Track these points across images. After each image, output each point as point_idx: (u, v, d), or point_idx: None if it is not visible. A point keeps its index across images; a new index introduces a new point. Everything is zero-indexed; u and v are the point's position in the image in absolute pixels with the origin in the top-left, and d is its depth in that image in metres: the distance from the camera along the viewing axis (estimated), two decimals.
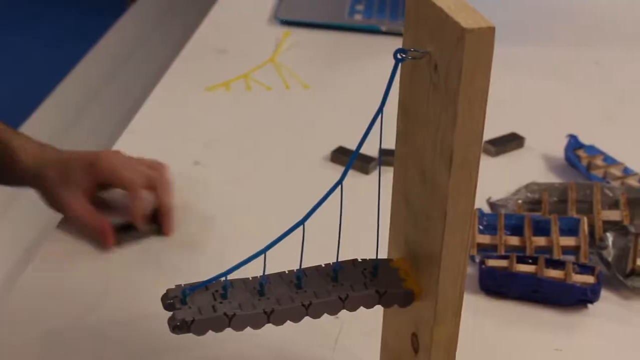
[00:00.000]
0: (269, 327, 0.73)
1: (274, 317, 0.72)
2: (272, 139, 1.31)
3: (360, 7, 1.73)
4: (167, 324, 0.71)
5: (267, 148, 1.29)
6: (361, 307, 0.75)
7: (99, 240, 1.05)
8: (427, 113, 0.68)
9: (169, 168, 1.11)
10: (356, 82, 1.47)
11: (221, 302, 0.72)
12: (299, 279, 0.74)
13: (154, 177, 1.10)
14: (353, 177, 1.11)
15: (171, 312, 0.72)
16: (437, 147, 0.67)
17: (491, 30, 0.61)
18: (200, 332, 0.71)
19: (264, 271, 0.73)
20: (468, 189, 0.67)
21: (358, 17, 1.69)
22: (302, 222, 0.72)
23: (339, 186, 0.71)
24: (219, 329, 0.72)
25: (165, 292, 0.73)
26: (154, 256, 1.05)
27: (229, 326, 0.72)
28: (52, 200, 1.08)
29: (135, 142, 1.27)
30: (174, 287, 0.73)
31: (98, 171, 1.08)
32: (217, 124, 1.35)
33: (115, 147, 1.25)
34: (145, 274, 1.02)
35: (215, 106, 1.41)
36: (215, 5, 1.73)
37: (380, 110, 0.68)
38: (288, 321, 0.73)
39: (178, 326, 0.70)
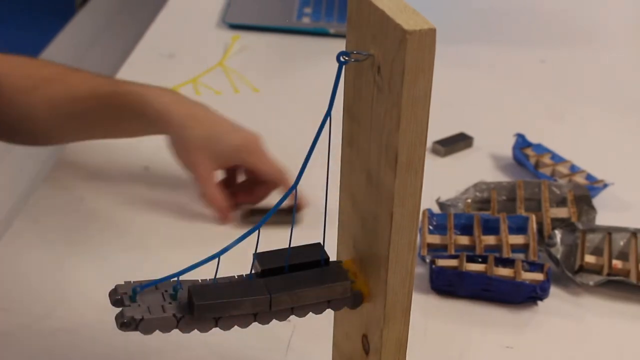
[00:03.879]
0: (218, 330, 0.73)
1: (222, 322, 0.72)
2: None
3: (308, 10, 1.73)
4: (115, 320, 0.70)
5: None
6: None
7: (217, 216, 1.09)
8: (371, 115, 0.68)
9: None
10: (305, 85, 1.47)
11: (170, 303, 0.72)
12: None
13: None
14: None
15: (119, 309, 0.71)
16: (382, 148, 0.67)
17: (432, 32, 0.61)
18: (147, 331, 0.70)
19: (215, 274, 0.73)
20: (414, 190, 0.67)
21: (306, 20, 1.70)
22: (257, 227, 0.72)
23: (293, 190, 0.71)
24: (166, 329, 0.71)
25: (113, 287, 0.72)
26: (102, 259, 1.04)
27: (176, 327, 0.71)
28: (186, 159, 1.09)
29: (84, 149, 1.26)
30: (122, 283, 0.73)
31: (246, 156, 1.10)
32: None
33: (64, 155, 1.24)
34: (96, 277, 1.01)
35: None
36: (163, 10, 1.72)
37: (328, 114, 0.68)
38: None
39: (125, 323, 0.70)
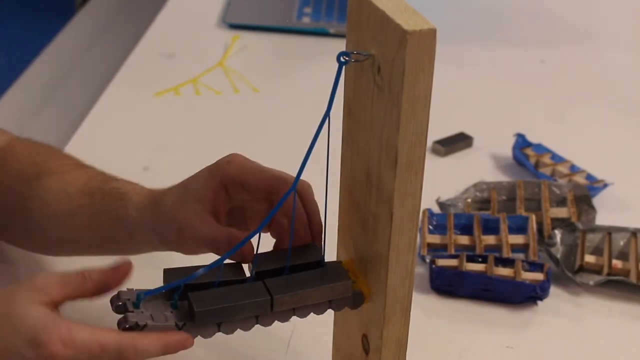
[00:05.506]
0: (220, 333, 0.73)
1: (224, 327, 0.72)
2: (222, 144, 1.31)
3: (308, 10, 1.73)
4: (117, 325, 0.70)
5: (217, 152, 1.28)
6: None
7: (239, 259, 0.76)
8: (371, 115, 0.68)
9: None
10: (305, 85, 1.47)
11: (171, 312, 0.71)
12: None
13: (301, 182, 0.78)
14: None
15: (121, 315, 0.71)
16: (382, 148, 0.67)
17: (432, 32, 0.61)
18: None
19: (217, 281, 0.73)
20: (414, 190, 0.68)
21: (306, 20, 1.70)
22: (257, 231, 0.72)
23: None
24: None
25: (116, 293, 0.72)
26: (101, 260, 1.04)
27: None
28: (171, 233, 0.81)
29: (83, 149, 1.25)
30: (125, 289, 0.73)
31: (225, 168, 0.82)
32: (167, 129, 1.34)
33: None
34: None
35: (165, 111, 1.40)
36: (163, 10, 1.72)
37: (327, 115, 0.68)
38: None
39: (128, 329, 0.70)
